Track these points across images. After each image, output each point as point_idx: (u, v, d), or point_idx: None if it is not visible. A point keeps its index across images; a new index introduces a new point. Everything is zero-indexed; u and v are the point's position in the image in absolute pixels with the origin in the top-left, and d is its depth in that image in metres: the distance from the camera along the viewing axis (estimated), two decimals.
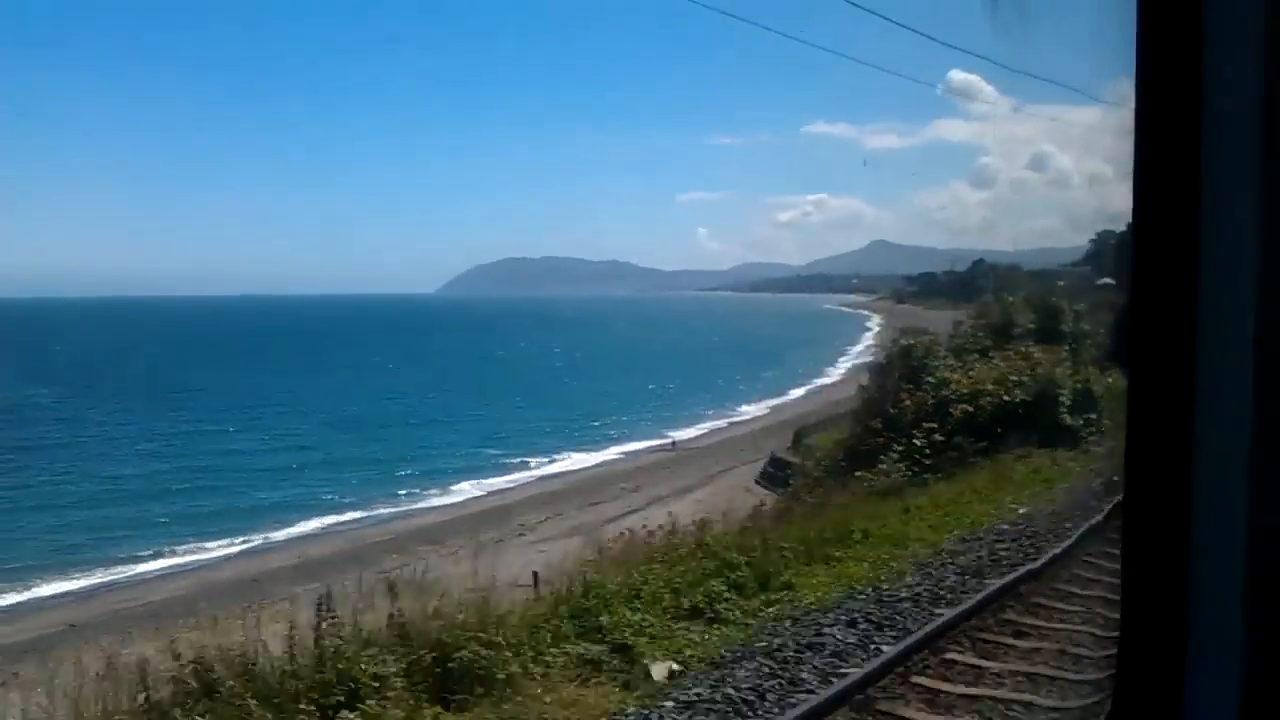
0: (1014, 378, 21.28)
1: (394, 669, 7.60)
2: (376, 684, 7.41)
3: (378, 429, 55.98)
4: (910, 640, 8.45)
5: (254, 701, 7.16)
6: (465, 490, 40.03)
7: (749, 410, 61.07)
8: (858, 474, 19.03)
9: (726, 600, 9.94)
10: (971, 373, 22.43)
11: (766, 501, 20.69)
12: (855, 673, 7.77)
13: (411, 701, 7.37)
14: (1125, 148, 1.52)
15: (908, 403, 22.30)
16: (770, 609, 9.93)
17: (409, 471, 43.62)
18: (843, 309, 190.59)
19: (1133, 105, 1.45)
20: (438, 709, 7.47)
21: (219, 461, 45.32)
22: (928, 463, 18.74)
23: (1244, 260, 1.32)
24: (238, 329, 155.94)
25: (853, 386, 62.86)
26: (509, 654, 7.96)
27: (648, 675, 8.05)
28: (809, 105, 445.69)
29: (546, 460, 46.54)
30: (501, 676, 7.72)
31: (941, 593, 10.20)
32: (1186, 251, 1.41)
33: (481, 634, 8.00)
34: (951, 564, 11.37)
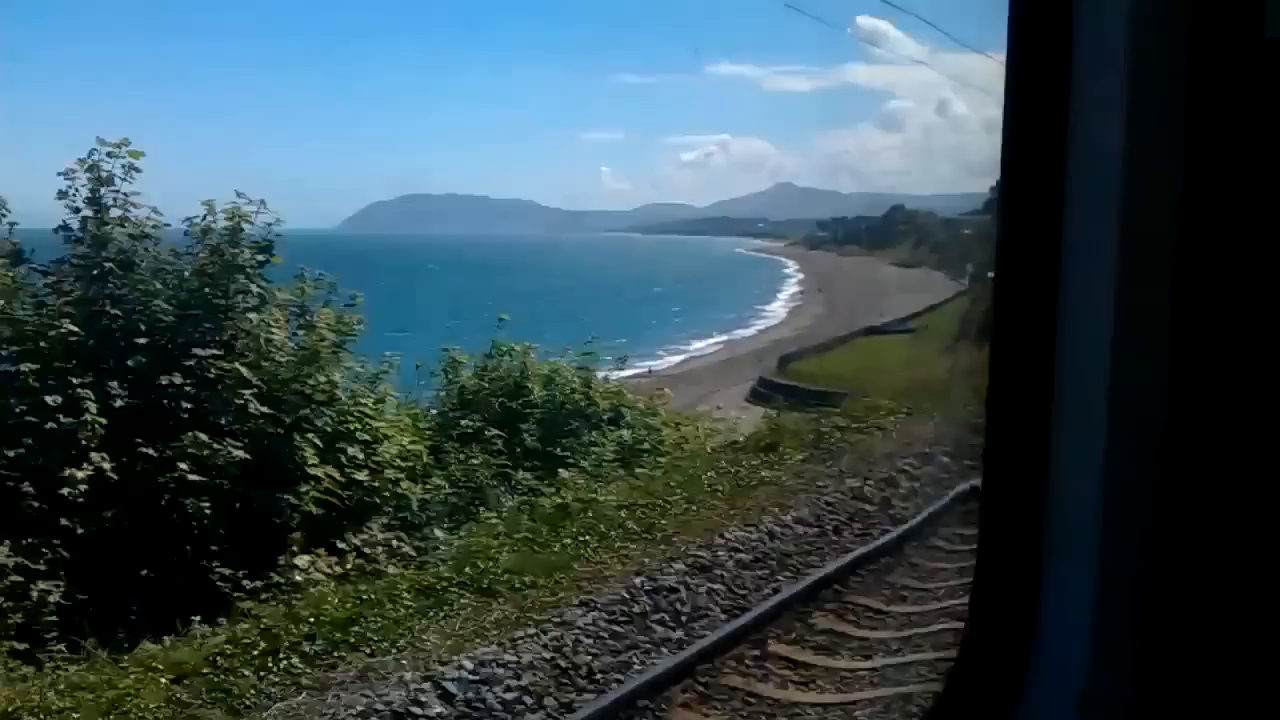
0: None
1: None
2: None
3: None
4: None
5: None
6: None
7: (701, 346, 67.84)
8: None
9: None
10: None
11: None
12: None
13: None
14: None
15: None
16: None
17: None
18: (757, 254, 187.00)
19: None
20: None
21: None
22: None
23: (1105, 248, 1.33)
24: None
25: (793, 329, 70.43)
26: None
27: None
28: (714, 44, 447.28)
29: None
30: None
31: None
32: (1048, 245, 1.40)
33: None
34: None
